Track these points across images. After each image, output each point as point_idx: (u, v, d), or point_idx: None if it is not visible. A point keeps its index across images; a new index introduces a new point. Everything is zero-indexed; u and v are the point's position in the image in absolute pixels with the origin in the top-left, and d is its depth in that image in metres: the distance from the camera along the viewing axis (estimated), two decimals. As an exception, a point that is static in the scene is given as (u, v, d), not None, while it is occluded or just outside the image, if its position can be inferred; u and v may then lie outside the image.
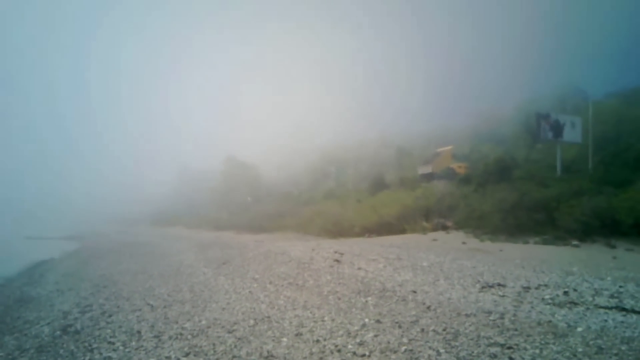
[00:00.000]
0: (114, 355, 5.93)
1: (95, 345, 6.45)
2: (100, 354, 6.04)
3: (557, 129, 25.18)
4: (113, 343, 6.48)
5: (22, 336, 7.59)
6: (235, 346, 5.82)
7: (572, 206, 15.57)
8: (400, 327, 6.18)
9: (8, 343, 7.22)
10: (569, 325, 5.89)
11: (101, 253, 23.91)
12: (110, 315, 8.32)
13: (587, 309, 6.70)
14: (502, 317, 6.42)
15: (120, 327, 7.39)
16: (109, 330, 7.22)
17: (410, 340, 5.60)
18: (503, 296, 7.77)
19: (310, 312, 7.33)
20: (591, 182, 18.23)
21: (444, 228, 20.78)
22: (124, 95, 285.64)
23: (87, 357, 5.94)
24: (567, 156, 26.43)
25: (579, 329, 5.71)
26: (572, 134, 25.84)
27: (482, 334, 5.67)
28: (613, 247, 13.31)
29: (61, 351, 6.37)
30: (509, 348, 5.12)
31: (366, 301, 7.89)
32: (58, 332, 7.47)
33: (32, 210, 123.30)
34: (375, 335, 5.85)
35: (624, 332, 5.54)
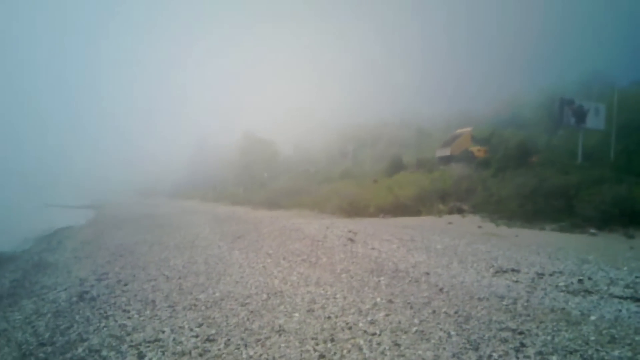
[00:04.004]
0: (128, 323, 6.04)
1: (110, 313, 6.58)
2: (115, 321, 6.16)
3: (581, 115, 24.68)
4: (128, 311, 6.60)
5: (39, 300, 7.77)
6: (248, 319, 5.89)
7: (591, 194, 15.33)
8: (411, 308, 6.19)
9: (26, 307, 7.39)
10: (582, 314, 5.84)
11: (118, 223, 24.27)
12: (125, 284, 8.47)
13: (602, 298, 6.63)
14: (514, 302, 6.39)
15: (135, 295, 7.53)
16: (124, 299, 7.36)
17: (421, 321, 5.61)
18: (517, 281, 7.73)
19: (323, 289, 7.38)
20: (612, 171, 17.90)
21: (460, 211, 20.63)
22: (144, 67, 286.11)
23: (103, 324, 6.06)
24: (589, 143, 25.95)
25: (593, 318, 5.67)
26: (596, 120, 25.32)
27: (494, 318, 5.66)
28: (631, 237, 13.10)
29: (77, 317, 6.50)
30: (521, 333, 5.11)
31: (379, 281, 7.91)
32: (74, 298, 7.63)
33: (52, 179, 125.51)
34: (387, 315, 5.87)
35: (638, 322, 5.48)
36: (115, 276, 9.29)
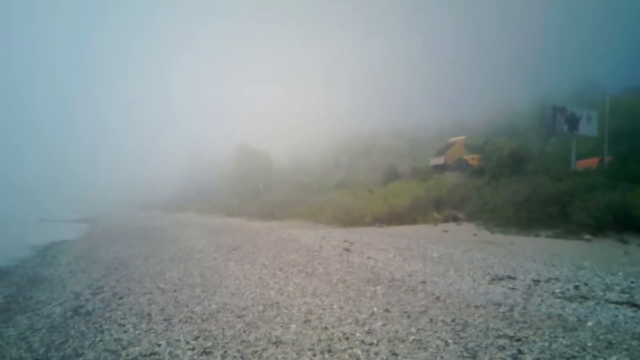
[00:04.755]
0: (124, 336, 5.99)
1: (105, 327, 6.52)
2: (111, 335, 6.11)
3: (573, 123, 24.90)
4: (123, 325, 6.55)
5: (34, 316, 7.69)
6: (244, 331, 5.86)
7: (585, 200, 15.40)
8: (409, 316, 6.18)
9: (20, 322, 7.32)
10: (579, 320, 5.85)
11: (113, 236, 24.12)
12: (121, 298, 8.41)
13: (598, 303, 6.65)
14: (511, 309, 6.40)
15: (130, 309, 7.47)
16: (119, 312, 7.30)
17: (418, 330, 5.60)
18: (513, 289, 7.74)
19: (319, 300, 7.35)
20: (606, 177, 18.00)
21: (455, 220, 20.69)
22: (139, 79, 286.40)
23: (98, 338, 6.01)
24: (582, 150, 26.15)
25: (589, 324, 5.68)
26: (588, 127, 25.56)
27: (491, 325, 5.66)
28: (626, 242, 13.17)
29: (72, 332, 6.44)
30: (518, 340, 5.10)
31: (375, 290, 7.89)
32: (69, 313, 7.56)
33: (47, 193, 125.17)
34: (384, 324, 5.85)
35: (635, 327, 5.50)
36: (111, 290, 9.22)
